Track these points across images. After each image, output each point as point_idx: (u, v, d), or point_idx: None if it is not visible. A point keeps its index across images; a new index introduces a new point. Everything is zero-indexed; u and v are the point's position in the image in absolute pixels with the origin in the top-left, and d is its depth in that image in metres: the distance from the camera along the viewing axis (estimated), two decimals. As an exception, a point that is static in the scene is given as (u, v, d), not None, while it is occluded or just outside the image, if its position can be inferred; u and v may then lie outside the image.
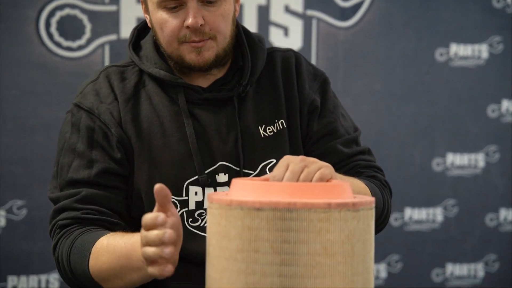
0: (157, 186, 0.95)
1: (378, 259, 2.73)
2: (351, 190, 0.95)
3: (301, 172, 0.98)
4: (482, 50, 2.72)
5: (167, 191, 0.95)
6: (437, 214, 2.77)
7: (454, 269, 2.78)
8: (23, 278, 2.35)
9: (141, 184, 1.24)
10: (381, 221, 1.33)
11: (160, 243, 0.94)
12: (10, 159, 2.34)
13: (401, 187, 2.68)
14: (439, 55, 2.70)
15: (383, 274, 2.73)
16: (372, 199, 0.93)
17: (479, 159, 2.76)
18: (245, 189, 0.92)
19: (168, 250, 0.94)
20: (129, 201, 1.26)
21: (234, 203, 0.89)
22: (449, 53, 2.70)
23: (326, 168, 0.99)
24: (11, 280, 2.33)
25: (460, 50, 2.72)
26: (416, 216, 2.76)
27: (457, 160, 2.76)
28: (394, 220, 2.73)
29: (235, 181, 0.95)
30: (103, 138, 1.24)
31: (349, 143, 1.34)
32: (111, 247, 1.13)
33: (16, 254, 2.31)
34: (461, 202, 2.76)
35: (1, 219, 2.34)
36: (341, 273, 0.87)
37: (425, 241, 2.77)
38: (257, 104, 1.29)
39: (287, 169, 0.98)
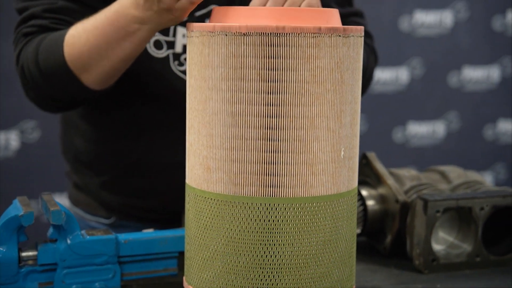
0: None
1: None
2: (339, 18, 0.90)
3: (285, 1, 0.94)
4: None
5: None
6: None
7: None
8: None
9: None
10: (363, 84, 1.31)
11: None
12: None
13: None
14: None
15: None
16: (361, 27, 0.89)
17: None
18: (227, 16, 0.86)
19: None
20: None
21: (217, 28, 0.83)
22: None
23: None
24: None
25: None
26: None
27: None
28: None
29: (217, 9, 0.89)
30: None
31: (343, 3, 1.29)
32: (89, 26, 1.01)
33: None
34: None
35: None
36: (330, 101, 0.84)
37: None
38: None
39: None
